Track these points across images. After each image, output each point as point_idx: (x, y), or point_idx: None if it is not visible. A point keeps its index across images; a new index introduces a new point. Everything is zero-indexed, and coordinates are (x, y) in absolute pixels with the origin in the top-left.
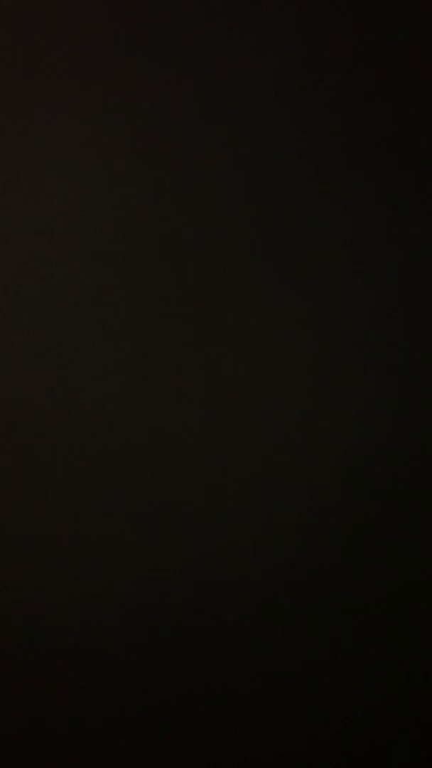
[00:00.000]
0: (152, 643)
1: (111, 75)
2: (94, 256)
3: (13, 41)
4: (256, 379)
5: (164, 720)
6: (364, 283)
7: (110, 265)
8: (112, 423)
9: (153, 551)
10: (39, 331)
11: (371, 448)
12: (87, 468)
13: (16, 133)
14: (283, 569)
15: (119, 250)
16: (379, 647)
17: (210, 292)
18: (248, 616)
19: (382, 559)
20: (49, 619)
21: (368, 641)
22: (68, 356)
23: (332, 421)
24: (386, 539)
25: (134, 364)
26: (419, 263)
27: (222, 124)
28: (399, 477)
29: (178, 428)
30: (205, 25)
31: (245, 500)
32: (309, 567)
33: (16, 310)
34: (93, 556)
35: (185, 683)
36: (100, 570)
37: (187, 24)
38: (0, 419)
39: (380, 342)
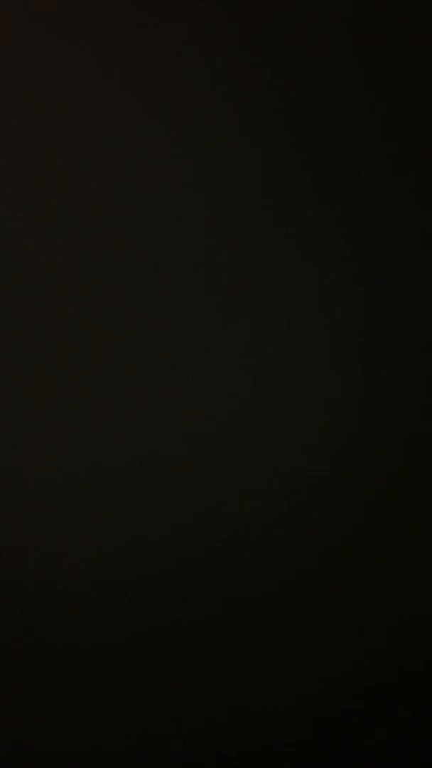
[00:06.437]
0: (151, 633)
1: (110, 85)
2: (93, 261)
3: (13, 47)
4: (254, 374)
5: (162, 707)
6: (360, 277)
7: (110, 273)
8: (110, 410)
9: (151, 542)
10: (38, 334)
11: (368, 442)
12: (87, 456)
13: (16, 140)
14: (282, 560)
15: (119, 259)
16: (381, 636)
17: (207, 291)
18: (249, 606)
19: (382, 549)
20: (47, 601)
21: (369, 631)
22: (70, 358)
23: (329, 412)
24: (386, 529)
25: (134, 361)
26: (414, 265)
27: (222, 133)
28: (396, 471)
29: (178, 419)
30: (204, 34)
31: (245, 490)
32: (309, 557)
33: (16, 313)
34: (95, 544)
35: (185, 674)
36: (100, 558)
37: (187, 30)
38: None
39: (375, 333)
